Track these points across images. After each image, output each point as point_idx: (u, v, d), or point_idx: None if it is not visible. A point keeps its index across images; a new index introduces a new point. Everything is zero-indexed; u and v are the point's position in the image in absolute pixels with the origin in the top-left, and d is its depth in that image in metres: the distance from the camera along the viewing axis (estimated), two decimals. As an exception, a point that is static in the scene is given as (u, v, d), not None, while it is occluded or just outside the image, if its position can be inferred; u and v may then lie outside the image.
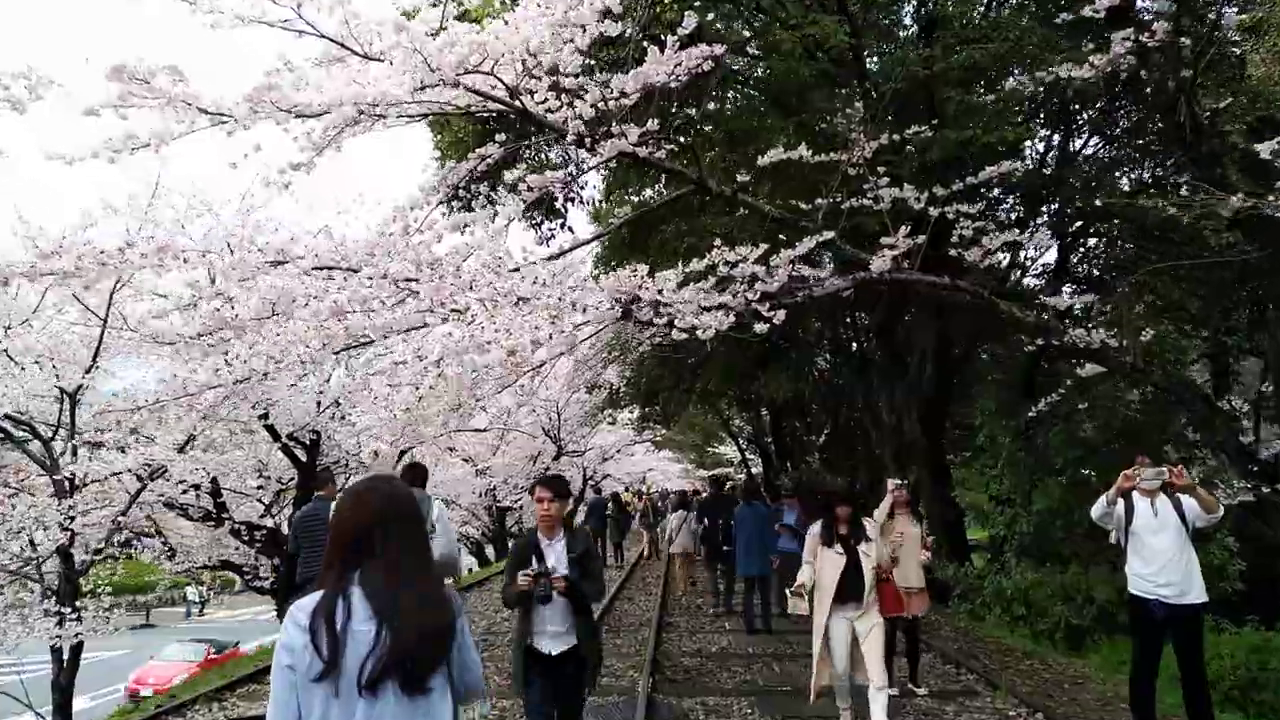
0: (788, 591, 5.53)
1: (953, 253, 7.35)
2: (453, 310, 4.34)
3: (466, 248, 6.08)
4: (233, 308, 3.87)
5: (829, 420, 24.45)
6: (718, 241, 5.87)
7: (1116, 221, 11.88)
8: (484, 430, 20.91)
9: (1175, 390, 7.50)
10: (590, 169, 6.47)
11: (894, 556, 6.11)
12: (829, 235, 6.28)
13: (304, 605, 2.16)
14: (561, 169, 5.98)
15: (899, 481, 6.87)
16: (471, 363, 7.11)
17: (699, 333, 5.84)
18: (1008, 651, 9.27)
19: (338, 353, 5.12)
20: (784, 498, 12.85)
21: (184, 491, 13.99)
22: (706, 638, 9.70)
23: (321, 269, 4.36)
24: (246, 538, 14.72)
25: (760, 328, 5.99)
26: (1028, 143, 11.37)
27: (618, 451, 41.07)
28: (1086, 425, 11.63)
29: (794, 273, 6.20)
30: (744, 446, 39.04)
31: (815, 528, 5.77)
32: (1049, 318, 7.44)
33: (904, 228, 6.85)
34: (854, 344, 20.08)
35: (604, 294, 4.73)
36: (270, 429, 12.91)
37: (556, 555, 4.06)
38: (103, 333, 9.46)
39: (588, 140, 5.97)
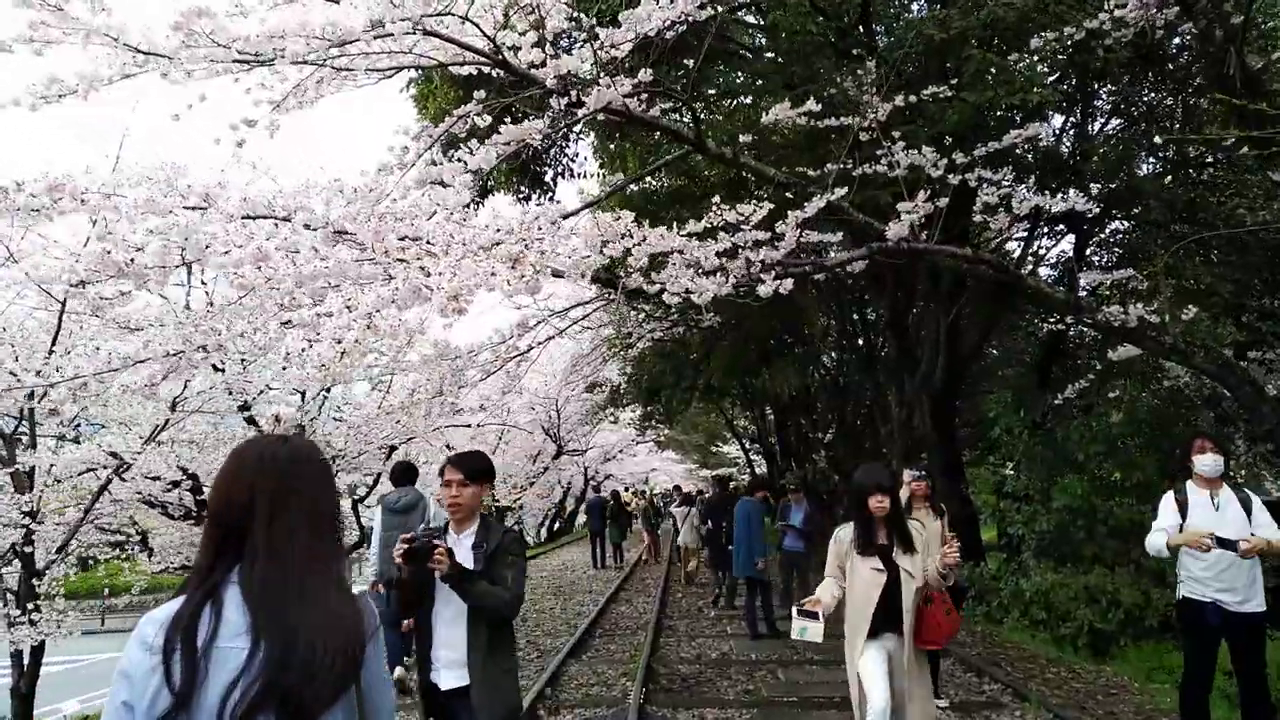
0: (794, 609, 4.06)
1: (976, 218, 6.74)
2: (397, 260, 3.74)
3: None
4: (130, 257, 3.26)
5: (835, 418, 23.81)
6: (716, 200, 5.24)
7: (1140, 208, 11.31)
8: (478, 426, 20.19)
9: (1219, 374, 6.85)
10: (578, 123, 5.82)
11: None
12: (840, 192, 5.65)
13: (155, 616, 1.54)
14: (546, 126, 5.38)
15: (917, 472, 6.23)
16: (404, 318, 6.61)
17: (694, 297, 5.22)
18: (1031, 658, 8.63)
19: (286, 323, 4.54)
20: (790, 492, 12.13)
21: (166, 489, 13.44)
22: (707, 642, 9.08)
23: (251, 218, 3.75)
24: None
25: (765, 290, 5.34)
26: (1046, 122, 10.74)
27: (620, 451, 40.52)
28: (1110, 417, 11.00)
29: (802, 239, 5.58)
30: (748, 446, 38.38)
31: (844, 531, 4.39)
32: (1080, 294, 6.80)
33: (922, 192, 6.22)
34: (861, 339, 19.45)
35: (580, 239, 4.11)
36: (251, 421, 12.33)
37: (463, 552, 3.18)
38: (61, 316, 8.85)
39: (574, 93, 5.35)
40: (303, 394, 13.87)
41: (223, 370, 11.81)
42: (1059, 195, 6.39)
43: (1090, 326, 7.38)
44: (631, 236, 4.09)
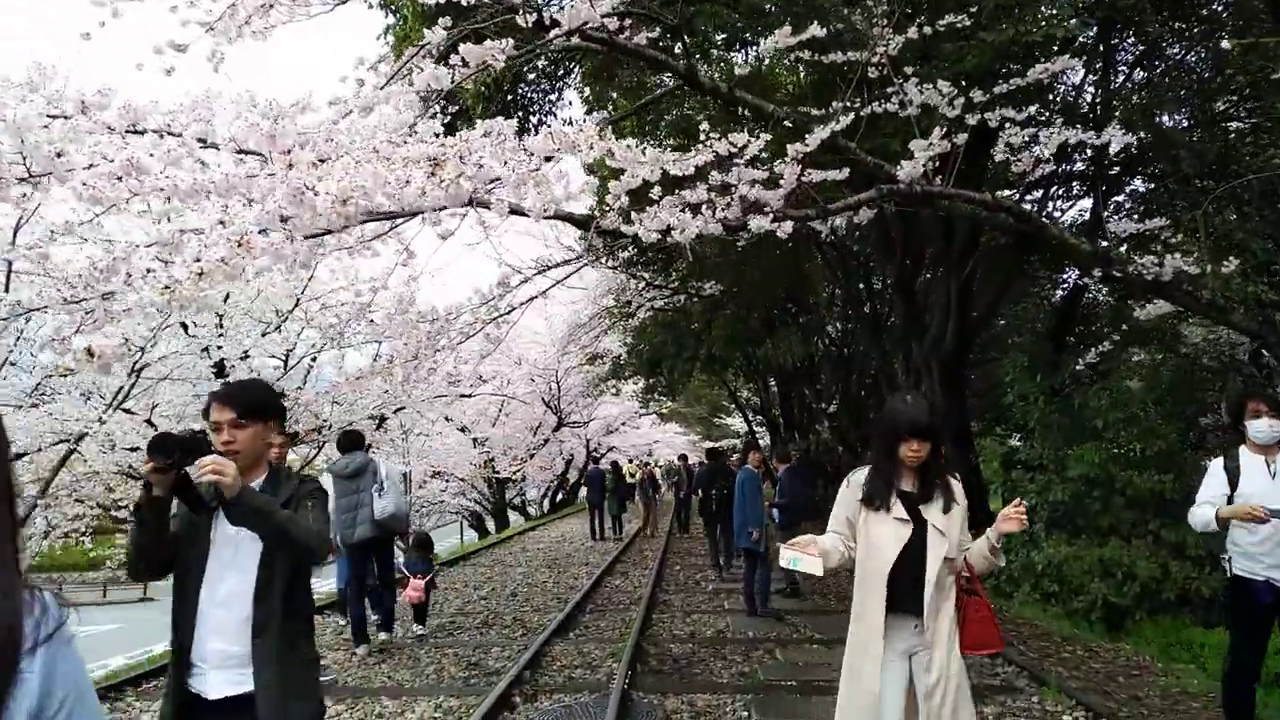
0: (781, 548, 3.13)
1: (999, 156, 6.15)
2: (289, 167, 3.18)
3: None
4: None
5: (839, 388, 23.27)
6: (704, 126, 4.65)
7: (1167, 161, 10.67)
8: (468, 396, 19.71)
9: (1260, 332, 6.28)
10: (549, 46, 5.21)
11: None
12: (847, 121, 5.05)
13: None
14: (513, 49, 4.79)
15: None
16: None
17: (674, 234, 4.65)
18: (1044, 635, 8.14)
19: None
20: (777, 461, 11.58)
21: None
22: (702, 619, 8.59)
23: (137, 132, 3.20)
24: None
25: (756, 224, 4.75)
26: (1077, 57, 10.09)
27: (623, 424, 40.12)
28: (1130, 383, 10.44)
29: (803, 178, 5.00)
30: (751, 418, 37.88)
31: (859, 474, 3.22)
32: (1108, 245, 6.22)
33: (939, 129, 5.63)
34: (867, 306, 18.85)
35: (537, 142, 3.52)
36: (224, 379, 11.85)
37: None
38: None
39: (547, 14, 4.76)
40: (285, 359, 13.40)
41: (192, 328, 11.36)
42: (1090, 132, 5.80)
43: (1120, 280, 6.80)
44: (596, 143, 3.48)
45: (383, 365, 8.56)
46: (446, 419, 26.43)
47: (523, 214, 4.12)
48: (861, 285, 19.09)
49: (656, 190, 4.43)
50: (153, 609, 26.14)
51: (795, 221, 5.04)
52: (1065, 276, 18.52)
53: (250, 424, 2.35)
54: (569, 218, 4.78)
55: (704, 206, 4.60)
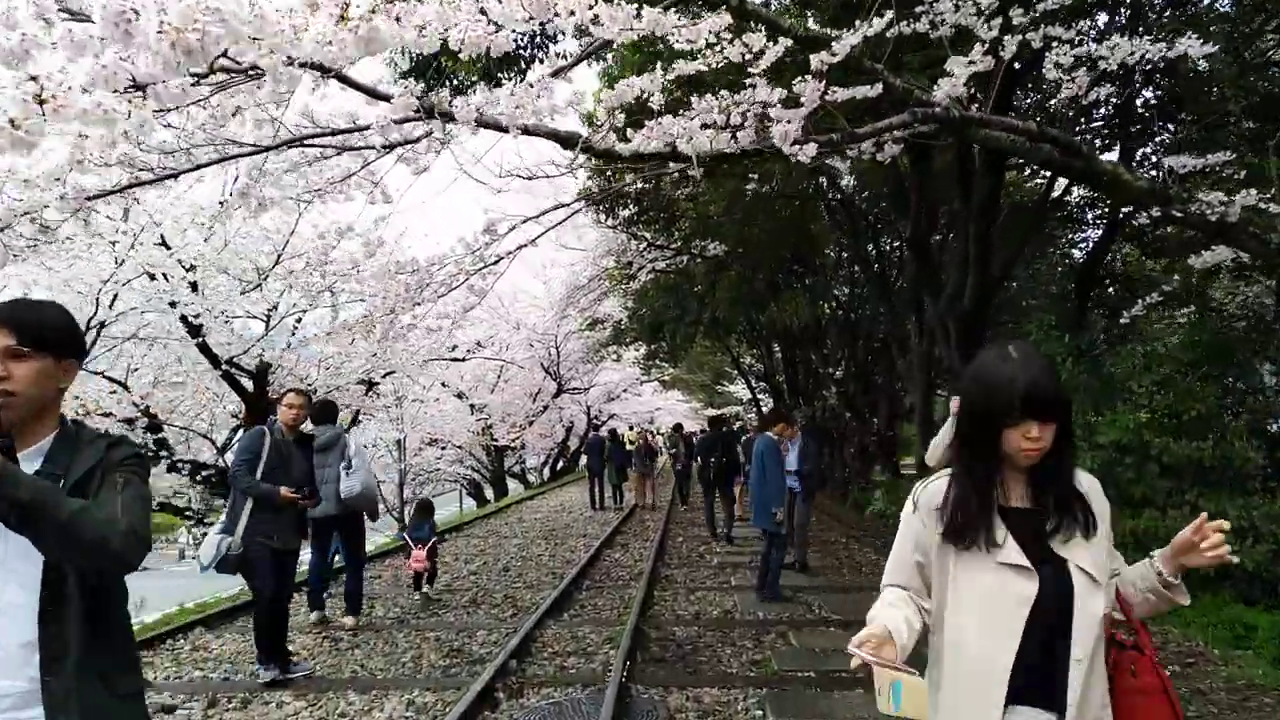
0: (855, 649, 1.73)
1: (1050, 75, 5.39)
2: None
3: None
4: None
5: (846, 352, 22.56)
6: (715, 30, 3.90)
7: (1209, 100, 9.89)
8: (460, 359, 19.05)
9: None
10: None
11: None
12: (881, 22, 4.30)
13: None
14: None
15: (968, 399, 5.01)
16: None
17: (680, 144, 3.93)
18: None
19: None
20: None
21: (124, 423, 12.36)
22: (708, 597, 7.96)
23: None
24: (188, 475, 13.12)
25: (780, 132, 4.01)
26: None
27: (624, 391, 39.56)
28: (1167, 344, 9.75)
29: (827, 97, 4.26)
30: (754, 385, 37.24)
31: (928, 492, 1.94)
32: (1168, 180, 5.48)
33: (979, 45, 4.88)
34: (876, 265, 18.09)
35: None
36: (205, 350, 11.13)
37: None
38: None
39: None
40: (267, 319, 12.70)
41: (161, 282, 10.64)
42: (1160, 44, 5.05)
43: (1180, 221, 6.05)
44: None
45: (356, 321, 7.86)
46: (443, 385, 25.84)
47: (497, 127, 3.41)
48: (870, 246, 18.30)
49: (658, 99, 3.71)
50: (145, 578, 25.71)
51: (819, 148, 4.30)
52: (1084, 235, 17.81)
53: (35, 357, 1.65)
54: (553, 134, 4.06)
55: (714, 122, 3.87)
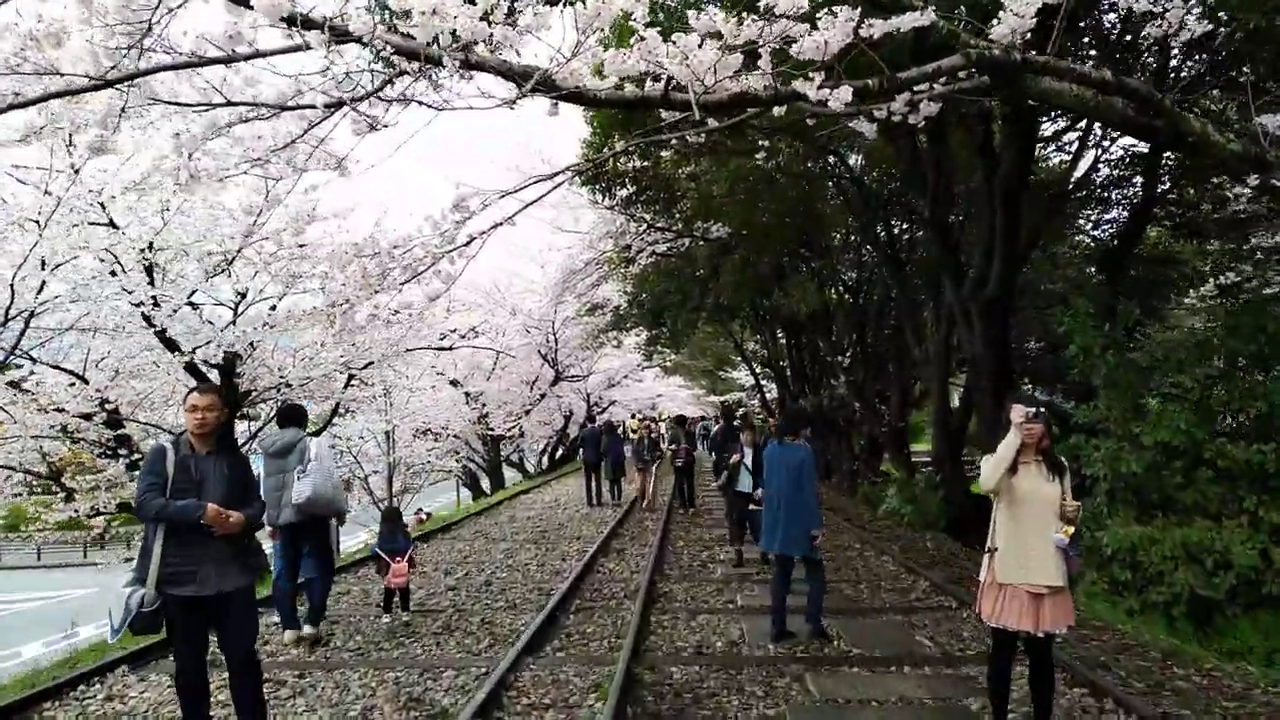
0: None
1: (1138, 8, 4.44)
2: None
3: None
4: None
5: (853, 338, 21.64)
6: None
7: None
8: (448, 348, 18.17)
9: None
10: None
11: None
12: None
13: None
14: None
15: (1032, 409, 4.07)
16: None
17: (670, 65, 3.00)
18: (1126, 647, 6.62)
19: None
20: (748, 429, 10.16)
21: (81, 418, 11.48)
22: (711, 622, 7.05)
23: None
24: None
25: (806, 89, 3.11)
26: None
27: (625, 377, 38.68)
28: (1222, 333, 8.83)
29: (863, 29, 3.32)
30: (758, 371, 36.36)
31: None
32: (1265, 143, 4.54)
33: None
34: (889, 247, 17.12)
35: None
36: (165, 339, 10.21)
37: None
38: None
39: None
40: (236, 307, 11.77)
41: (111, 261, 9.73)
42: None
43: (1142, 259, 5.11)
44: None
45: (310, 312, 6.95)
46: (438, 373, 24.94)
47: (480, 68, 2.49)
48: (880, 228, 17.34)
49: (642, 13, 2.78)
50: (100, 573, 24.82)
51: (855, 96, 3.36)
52: (1108, 217, 16.81)
53: None
54: (504, 69, 3.12)
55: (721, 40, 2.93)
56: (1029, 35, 4.21)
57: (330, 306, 6.73)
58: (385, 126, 5.50)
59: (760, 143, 13.29)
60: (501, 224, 6.24)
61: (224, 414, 4.49)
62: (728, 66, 3.03)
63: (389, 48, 3.00)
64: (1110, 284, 12.26)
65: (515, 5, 3.26)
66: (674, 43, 2.79)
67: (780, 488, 6.44)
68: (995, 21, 3.84)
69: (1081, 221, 17.51)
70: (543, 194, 6.12)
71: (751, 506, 9.12)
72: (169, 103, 4.82)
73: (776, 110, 4.41)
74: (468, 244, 6.26)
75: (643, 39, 2.81)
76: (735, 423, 11.19)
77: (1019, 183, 10.52)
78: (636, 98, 3.20)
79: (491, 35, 2.78)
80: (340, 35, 3.24)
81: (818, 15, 3.55)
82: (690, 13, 2.95)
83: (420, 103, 4.66)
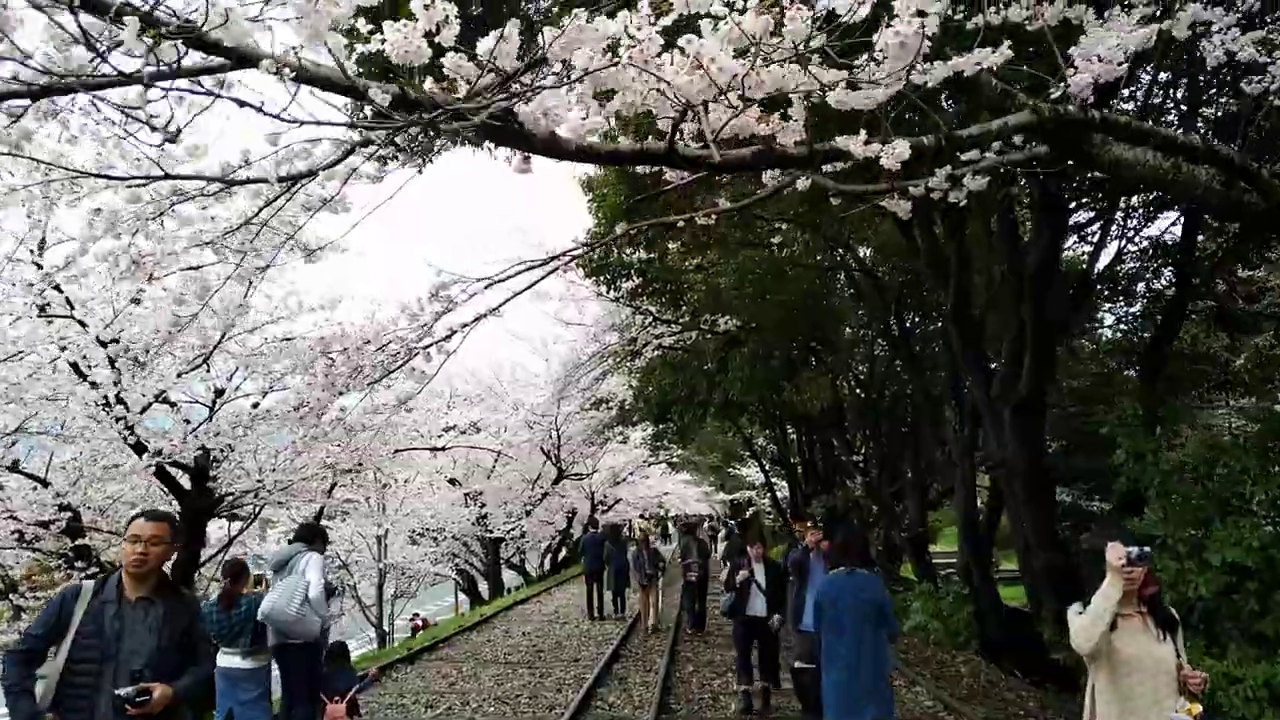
0: None
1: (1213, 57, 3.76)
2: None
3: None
4: None
5: (868, 435, 20.77)
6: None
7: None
8: (440, 449, 17.32)
9: None
10: None
11: None
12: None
13: None
14: None
15: (1136, 550, 3.22)
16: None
17: (709, 124, 2.23)
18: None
19: None
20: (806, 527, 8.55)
21: (39, 526, 10.63)
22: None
23: None
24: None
25: (850, 145, 2.37)
26: None
27: (630, 474, 37.58)
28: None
29: (916, 73, 2.62)
30: (768, 468, 35.33)
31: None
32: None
33: (1124, 17, 3.28)
34: (904, 344, 16.42)
35: None
36: (135, 447, 9.40)
37: None
38: None
39: None
40: (212, 404, 11.02)
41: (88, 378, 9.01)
42: None
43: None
44: None
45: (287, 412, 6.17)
46: (436, 471, 24.03)
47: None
48: (894, 323, 16.69)
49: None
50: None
51: (913, 154, 2.63)
52: (1136, 310, 16.08)
53: None
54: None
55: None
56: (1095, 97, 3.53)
57: (294, 409, 5.93)
58: (347, 209, 4.84)
59: (777, 226, 12.74)
60: (486, 315, 5.51)
61: (171, 550, 3.63)
62: (755, 94, 2.25)
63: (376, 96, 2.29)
64: (1148, 382, 11.45)
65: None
66: (682, 50, 2.07)
67: (855, 635, 5.07)
68: (1070, 71, 3.14)
69: (1103, 315, 16.84)
70: (534, 281, 5.39)
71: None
72: (95, 174, 4.15)
73: (801, 184, 3.72)
74: (448, 337, 5.52)
75: (635, 42, 2.07)
76: (735, 531, 9.99)
77: (1051, 274, 9.85)
78: (634, 152, 2.49)
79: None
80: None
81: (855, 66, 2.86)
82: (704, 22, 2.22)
83: (384, 158, 3.97)
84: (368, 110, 2.72)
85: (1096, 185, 10.26)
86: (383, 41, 2.04)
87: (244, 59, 2.21)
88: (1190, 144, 3.67)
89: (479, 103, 2.15)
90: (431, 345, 5.45)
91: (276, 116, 2.51)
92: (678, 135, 2.43)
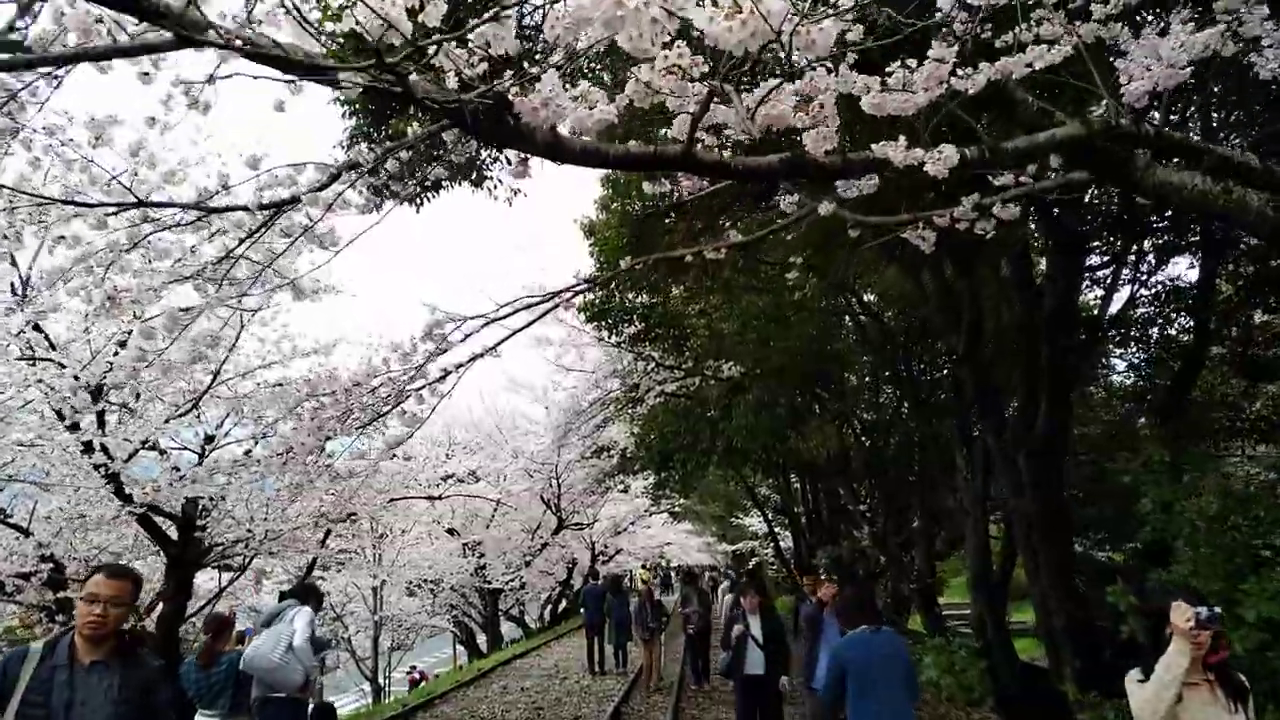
0: None
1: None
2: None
3: None
4: None
5: (873, 484, 20.36)
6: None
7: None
8: (437, 498, 16.90)
9: None
10: None
11: None
12: None
13: None
14: None
15: (1205, 611, 2.88)
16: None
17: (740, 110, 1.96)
18: None
19: None
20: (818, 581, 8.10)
21: (19, 578, 10.21)
22: None
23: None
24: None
25: (889, 151, 2.09)
26: None
27: (631, 524, 37.01)
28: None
29: (957, 79, 2.33)
30: (771, 518, 34.81)
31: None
32: None
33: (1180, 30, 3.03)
34: (912, 389, 16.13)
35: None
36: (115, 483, 9.01)
37: None
38: None
39: None
40: (202, 451, 10.70)
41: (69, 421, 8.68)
42: None
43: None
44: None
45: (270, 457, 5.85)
46: (435, 520, 23.56)
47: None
48: (902, 368, 16.43)
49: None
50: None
51: (960, 161, 2.36)
52: (1142, 355, 15.79)
53: None
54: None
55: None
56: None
57: (274, 455, 5.60)
58: (335, 243, 4.57)
59: (783, 267, 12.51)
60: (483, 355, 5.22)
61: (127, 612, 3.28)
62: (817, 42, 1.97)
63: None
64: (1167, 430, 11.12)
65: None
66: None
67: (883, 697, 4.65)
68: (1125, 80, 2.88)
69: (1115, 361, 16.56)
70: (533, 319, 5.11)
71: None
72: (63, 201, 3.88)
73: (824, 209, 3.45)
74: (441, 378, 5.21)
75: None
76: (731, 579, 9.32)
77: (1068, 316, 9.59)
78: (647, 155, 2.22)
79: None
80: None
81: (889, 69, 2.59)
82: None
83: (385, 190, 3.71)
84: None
85: (1112, 226, 10.06)
86: (357, 22, 1.78)
87: (187, 34, 1.94)
88: (1248, 164, 3.41)
89: (471, 97, 1.87)
90: (424, 387, 5.14)
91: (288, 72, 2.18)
92: (696, 135, 2.16)
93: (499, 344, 5.09)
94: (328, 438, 5.17)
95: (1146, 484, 8.20)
